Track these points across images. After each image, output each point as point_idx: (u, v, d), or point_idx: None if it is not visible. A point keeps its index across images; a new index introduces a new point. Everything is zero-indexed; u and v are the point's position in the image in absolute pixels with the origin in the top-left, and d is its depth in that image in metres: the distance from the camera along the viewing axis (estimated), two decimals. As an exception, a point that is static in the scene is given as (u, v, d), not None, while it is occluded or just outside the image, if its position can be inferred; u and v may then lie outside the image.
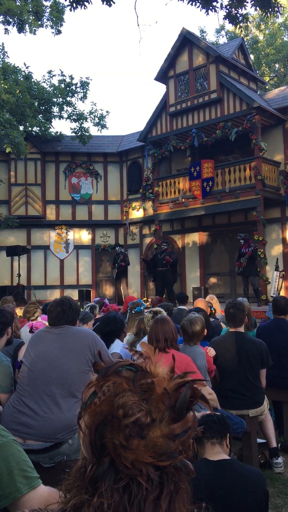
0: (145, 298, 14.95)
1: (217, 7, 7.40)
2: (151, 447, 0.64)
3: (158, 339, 3.21)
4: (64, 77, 17.25)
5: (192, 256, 16.07)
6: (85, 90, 17.45)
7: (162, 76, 15.46)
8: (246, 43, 19.69)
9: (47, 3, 13.88)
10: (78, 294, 14.37)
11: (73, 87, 17.27)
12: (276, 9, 7.38)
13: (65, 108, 17.40)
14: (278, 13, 7.57)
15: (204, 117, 14.47)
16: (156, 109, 15.77)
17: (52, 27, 14.04)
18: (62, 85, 17.09)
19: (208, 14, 7.42)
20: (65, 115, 17.50)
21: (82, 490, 0.68)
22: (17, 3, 12.77)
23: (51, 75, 17.42)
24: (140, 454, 0.63)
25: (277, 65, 27.28)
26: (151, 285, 16.48)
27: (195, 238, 16.32)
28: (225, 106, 13.95)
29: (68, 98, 17.29)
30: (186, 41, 14.74)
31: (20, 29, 13.37)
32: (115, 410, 0.65)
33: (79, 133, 17.13)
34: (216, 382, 4.06)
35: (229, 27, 25.75)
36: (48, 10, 13.84)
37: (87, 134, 17.17)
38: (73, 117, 17.37)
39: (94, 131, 21.85)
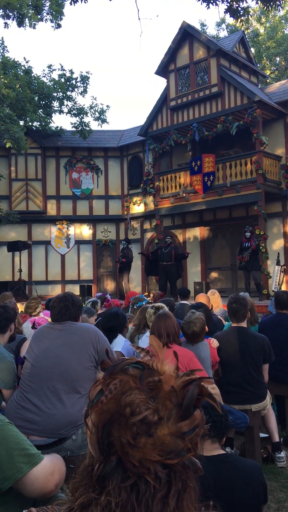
0: (146, 293, 14.96)
1: (218, 1, 7.36)
2: (158, 445, 0.63)
3: (160, 334, 3.22)
4: (64, 72, 17.18)
5: (193, 250, 16.06)
6: (85, 85, 17.38)
7: (162, 70, 15.39)
8: (246, 36, 19.56)
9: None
10: (80, 289, 14.39)
11: (73, 81, 17.21)
12: (277, 2, 7.34)
13: (65, 102, 17.35)
14: (279, 6, 7.53)
15: (205, 111, 14.42)
16: (157, 103, 15.70)
17: (52, 21, 13.92)
18: (62, 80, 17.03)
19: (209, 7, 7.38)
20: (66, 110, 17.46)
21: (89, 488, 0.67)
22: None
23: (51, 70, 17.36)
24: (147, 452, 0.63)
25: (278, 59, 27.14)
26: (153, 279, 16.49)
27: (196, 232, 16.31)
28: (226, 100, 13.89)
29: (68, 93, 17.23)
30: (187, 35, 14.65)
31: (20, 23, 13.28)
32: (122, 408, 0.65)
33: (80, 127, 17.08)
34: (219, 377, 4.06)
35: (230, 20, 25.60)
36: (47, 4, 13.73)
37: (87, 128, 17.13)
38: (74, 111, 17.31)
39: (94, 125, 21.77)
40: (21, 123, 15.25)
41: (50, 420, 2.58)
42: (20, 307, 7.78)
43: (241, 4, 7.53)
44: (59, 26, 14.07)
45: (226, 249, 15.53)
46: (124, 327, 3.78)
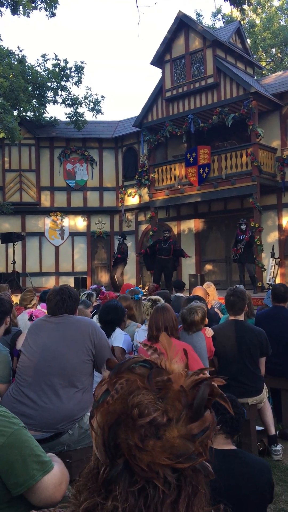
0: (141, 285, 14.94)
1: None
2: (168, 448, 0.61)
3: (158, 327, 3.19)
4: (59, 61, 17.02)
5: (188, 243, 16.04)
6: (79, 75, 17.22)
7: (158, 60, 15.26)
8: (243, 27, 19.42)
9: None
10: (74, 281, 14.34)
11: (68, 71, 17.04)
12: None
13: (60, 92, 17.19)
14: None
15: (201, 103, 14.34)
16: (152, 94, 15.59)
17: (46, 10, 13.74)
18: (57, 69, 16.86)
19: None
20: (60, 100, 17.30)
21: (94, 492, 0.65)
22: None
23: (45, 59, 17.17)
24: (156, 456, 0.60)
25: (273, 50, 27.01)
26: (147, 272, 16.46)
27: (191, 225, 16.28)
28: (221, 91, 13.81)
29: (63, 83, 17.07)
30: (183, 25, 14.52)
31: (14, 11, 13.07)
32: (130, 409, 0.62)
33: (74, 118, 16.93)
34: (215, 369, 4.06)
35: (226, 10, 25.42)
36: (42, -8, 13.52)
37: (82, 119, 16.99)
38: (68, 102, 17.16)
39: (89, 116, 21.64)
40: (15, 113, 15.11)
41: (46, 415, 2.56)
42: (15, 299, 7.74)
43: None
44: (53, 14, 13.87)
45: (221, 242, 15.53)
46: (122, 321, 3.75)
